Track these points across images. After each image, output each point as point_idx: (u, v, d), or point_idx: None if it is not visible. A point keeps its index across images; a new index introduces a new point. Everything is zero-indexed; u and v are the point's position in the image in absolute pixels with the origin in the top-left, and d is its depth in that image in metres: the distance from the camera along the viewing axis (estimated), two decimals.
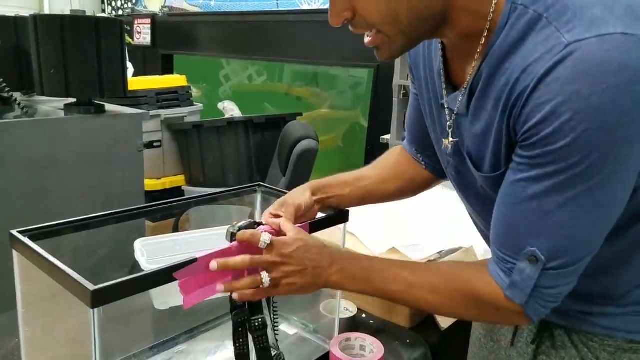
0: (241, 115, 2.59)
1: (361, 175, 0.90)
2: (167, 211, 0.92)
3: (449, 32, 0.62)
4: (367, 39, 0.63)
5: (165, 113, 2.64)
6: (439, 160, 0.82)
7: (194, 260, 0.63)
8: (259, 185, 1.05)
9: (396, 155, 0.93)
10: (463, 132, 0.68)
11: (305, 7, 2.95)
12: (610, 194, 0.55)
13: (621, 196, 0.57)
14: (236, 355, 0.72)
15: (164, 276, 0.60)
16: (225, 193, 1.00)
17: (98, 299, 0.54)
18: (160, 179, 2.69)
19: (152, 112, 2.56)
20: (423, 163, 0.89)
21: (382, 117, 2.06)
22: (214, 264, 0.65)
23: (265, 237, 0.67)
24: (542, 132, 0.53)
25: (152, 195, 2.56)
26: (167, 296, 1.01)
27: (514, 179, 0.59)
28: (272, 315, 0.78)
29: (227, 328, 1.03)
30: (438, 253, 1.07)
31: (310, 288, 0.69)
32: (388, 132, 1.90)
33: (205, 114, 2.90)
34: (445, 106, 0.69)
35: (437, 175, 0.90)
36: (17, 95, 1.76)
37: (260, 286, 0.66)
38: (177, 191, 2.72)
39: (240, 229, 0.72)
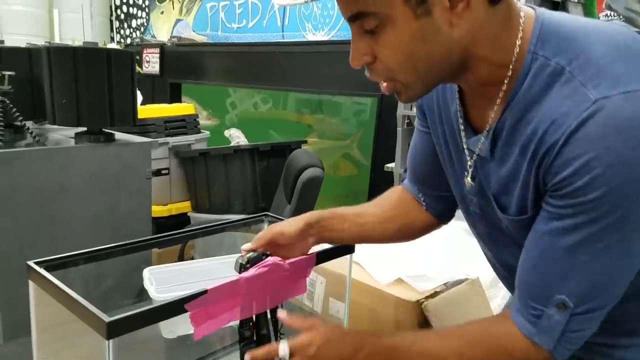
0: (247, 143, 2.63)
1: (362, 212, 0.88)
2: (176, 242, 0.94)
3: (468, 79, 0.64)
4: (383, 86, 0.64)
5: (173, 140, 2.68)
6: (442, 202, 0.82)
7: (205, 292, 0.65)
8: (266, 215, 1.07)
9: (397, 195, 0.92)
10: (488, 173, 0.68)
11: (310, 37, 3.03)
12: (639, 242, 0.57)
13: None
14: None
15: (176, 308, 0.62)
16: (232, 223, 1.02)
17: (113, 330, 0.55)
18: (166, 205, 2.72)
19: (160, 140, 2.60)
20: (424, 204, 0.88)
21: (386, 146, 2.09)
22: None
23: (283, 347, 0.65)
24: (574, 185, 0.54)
25: (157, 222, 2.59)
26: (175, 325, 1.02)
27: (544, 230, 0.60)
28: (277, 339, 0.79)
29: (235, 357, 1.04)
30: (444, 284, 1.08)
31: None
32: (392, 161, 1.93)
33: (212, 140, 2.94)
34: (465, 147, 0.70)
35: (437, 218, 0.89)
36: (29, 123, 1.80)
37: None
38: (182, 217, 2.74)
39: (249, 260, 0.74)
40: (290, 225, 0.81)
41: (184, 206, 2.76)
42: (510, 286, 0.82)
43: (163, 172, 2.60)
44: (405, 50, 0.59)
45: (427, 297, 1.01)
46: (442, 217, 0.89)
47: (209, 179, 2.55)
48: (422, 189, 0.88)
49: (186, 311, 0.63)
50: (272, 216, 1.06)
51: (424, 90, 0.65)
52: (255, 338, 0.72)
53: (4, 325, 1.58)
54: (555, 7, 1.62)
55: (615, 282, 0.59)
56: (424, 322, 1.00)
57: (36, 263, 0.70)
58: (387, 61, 0.61)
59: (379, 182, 2.14)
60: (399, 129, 1.84)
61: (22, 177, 1.61)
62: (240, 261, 0.74)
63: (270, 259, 0.75)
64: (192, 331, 1.00)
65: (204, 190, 2.60)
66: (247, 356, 0.68)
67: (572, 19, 0.62)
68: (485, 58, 0.60)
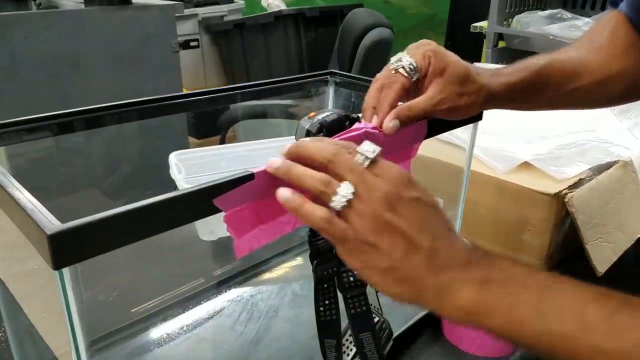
0: (289, 8, 2.21)
1: (573, 70, 0.54)
2: (212, 104, 0.64)
3: None
4: None
5: (203, 12, 2.30)
6: None
7: (251, 177, 0.35)
8: (332, 74, 0.73)
9: (616, 32, 0.55)
10: None
11: None
12: None
13: None
14: (320, 323, 0.46)
15: (194, 206, 0.32)
16: (287, 83, 0.69)
17: (63, 253, 0.27)
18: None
19: (187, 11, 2.23)
20: None
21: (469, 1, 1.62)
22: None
23: (367, 147, 0.35)
24: None
25: None
26: (215, 224, 0.76)
27: None
28: None
29: (294, 265, 0.78)
30: (589, 169, 0.74)
31: (400, 284, 0.33)
32: (481, 19, 1.47)
33: (247, 13, 2.53)
34: None
35: None
36: None
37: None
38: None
39: (321, 125, 0.43)
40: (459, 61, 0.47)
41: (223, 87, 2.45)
42: None
43: (192, 44, 2.25)
44: None
45: (570, 187, 0.69)
46: None
47: (246, 55, 2.20)
48: None
49: (214, 212, 0.34)
50: (340, 74, 0.73)
51: None
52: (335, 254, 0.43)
53: None
54: None
55: None
56: (562, 220, 0.69)
57: None
58: None
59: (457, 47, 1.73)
60: None
61: (24, 47, 1.35)
62: (305, 125, 0.42)
63: (359, 125, 0.43)
64: None
65: (242, 69, 2.26)
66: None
67: None
68: None
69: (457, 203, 0.64)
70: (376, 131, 0.44)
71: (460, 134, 0.62)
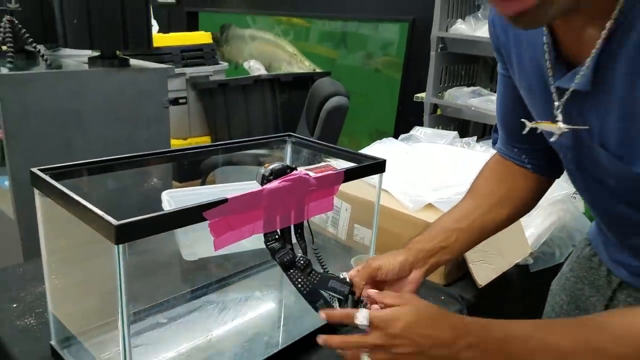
0: (267, 74, 2.52)
1: (463, 213, 0.76)
2: (194, 157, 0.88)
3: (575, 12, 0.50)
4: (518, 5, 0.47)
5: (190, 71, 2.59)
6: (547, 155, 0.70)
7: (225, 201, 0.59)
8: (289, 136, 0.99)
9: (493, 172, 0.79)
10: (590, 114, 0.55)
11: None
12: None
13: None
14: (304, 295, 0.68)
15: (191, 215, 0.56)
16: (253, 142, 0.94)
17: (122, 234, 0.50)
18: (186, 139, 2.67)
19: (177, 70, 2.51)
20: (528, 166, 0.75)
21: (416, 75, 1.95)
22: (319, 340, 0.60)
23: (362, 316, 0.56)
24: None
25: None
26: (196, 247, 0.98)
27: None
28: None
29: (254, 280, 1.00)
30: None
31: None
32: (422, 90, 1.80)
33: (230, 73, 2.84)
34: (554, 87, 0.57)
35: (546, 176, 0.77)
36: (40, 47, 1.73)
37: None
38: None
39: (272, 172, 0.67)
40: (389, 260, 0.71)
41: (204, 141, 2.71)
42: (607, 227, 0.71)
43: (181, 101, 2.52)
44: None
45: None
46: (552, 173, 0.76)
47: (228, 111, 2.47)
48: (521, 146, 0.75)
49: (202, 220, 0.58)
50: (295, 136, 0.98)
51: (560, 10, 0.48)
52: (285, 245, 0.67)
53: (24, 247, 1.59)
54: None
55: None
56: None
57: (41, 170, 0.65)
58: None
59: (406, 115, 2.03)
60: (433, 53, 1.69)
61: (36, 101, 1.57)
62: (262, 172, 0.67)
63: (296, 172, 0.68)
64: (213, 254, 0.97)
65: (224, 123, 2.53)
66: (321, 313, 0.62)
67: None
68: None
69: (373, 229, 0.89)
70: (307, 176, 0.69)
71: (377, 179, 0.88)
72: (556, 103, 0.57)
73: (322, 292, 0.69)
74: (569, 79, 0.55)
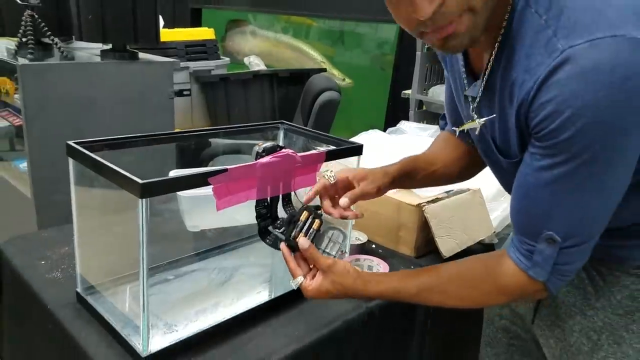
0: (266, 69, 2.66)
1: (432, 158, 0.94)
2: (197, 141, 1.02)
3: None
4: (443, 32, 0.62)
5: (194, 65, 2.72)
6: None
7: (225, 170, 0.73)
8: (282, 123, 1.13)
9: (449, 139, 0.95)
10: (486, 116, 0.72)
11: None
12: (613, 178, 0.61)
13: (623, 179, 0.63)
14: (272, 243, 0.83)
15: (199, 179, 0.70)
16: (249, 127, 1.09)
17: (146, 191, 0.64)
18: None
19: (181, 64, 2.65)
20: (471, 142, 0.91)
21: (406, 73, 2.10)
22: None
23: (296, 282, 0.77)
24: (549, 127, 0.59)
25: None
26: (198, 220, 1.12)
27: (527, 171, 0.65)
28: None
29: (249, 249, 1.14)
30: (446, 192, 1.15)
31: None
32: (410, 87, 1.94)
33: (231, 68, 2.98)
34: (468, 94, 0.75)
35: None
36: (56, 39, 1.86)
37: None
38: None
39: (265, 149, 0.82)
40: (374, 177, 0.87)
41: (206, 128, 2.84)
42: None
43: (185, 92, 2.66)
44: None
45: (428, 202, 1.09)
46: None
47: (228, 104, 2.61)
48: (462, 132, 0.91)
49: (206, 184, 0.72)
50: (287, 124, 1.13)
51: (482, 25, 0.63)
52: (269, 215, 0.81)
53: (39, 222, 1.73)
54: None
55: (595, 216, 0.64)
56: (424, 224, 1.08)
57: (75, 143, 0.79)
58: None
59: (396, 110, 2.18)
60: (418, 53, 1.83)
61: (52, 89, 1.70)
62: (257, 149, 0.81)
63: (284, 151, 0.82)
64: (212, 226, 1.11)
65: (224, 115, 2.67)
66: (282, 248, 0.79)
67: None
68: None
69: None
70: (294, 154, 0.83)
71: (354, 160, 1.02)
72: (472, 106, 0.74)
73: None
74: (472, 89, 0.73)
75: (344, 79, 3.31)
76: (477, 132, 0.76)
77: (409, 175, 0.91)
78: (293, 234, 0.78)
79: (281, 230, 0.81)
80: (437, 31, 0.62)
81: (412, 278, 0.77)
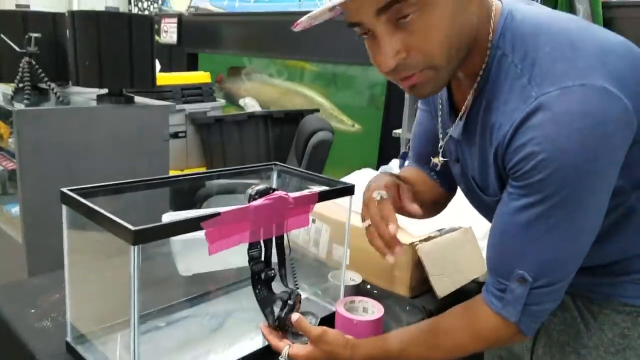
0: (261, 110, 2.71)
1: (411, 181, 0.92)
2: (191, 182, 1.03)
3: (462, 67, 0.69)
4: (407, 82, 0.66)
5: (190, 107, 2.77)
6: (450, 176, 0.89)
7: (218, 214, 0.73)
8: (275, 164, 1.14)
9: (416, 171, 0.97)
10: (465, 156, 0.76)
11: None
12: (585, 220, 0.63)
13: (595, 220, 0.64)
14: (259, 300, 0.82)
15: (192, 224, 0.70)
16: (243, 169, 1.10)
17: (138, 238, 0.64)
18: (183, 170, 2.82)
19: (177, 107, 2.69)
20: (436, 179, 0.94)
21: (396, 112, 2.15)
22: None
23: (283, 355, 0.78)
24: (524, 168, 0.61)
25: None
26: (190, 264, 1.12)
27: (504, 210, 0.66)
28: (288, 264, 0.88)
29: (239, 295, 1.13)
30: (438, 231, 1.15)
31: None
32: (400, 127, 1.98)
33: (226, 110, 3.02)
34: (448, 132, 0.77)
35: (447, 191, 0.96)
36: (52, 84, 1.90)
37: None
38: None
39: (258, 192, 0.82)
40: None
41: (200, 171, 2.86)
42: None
43: (180, 134, 2.69)
44: (444, 29, 0.61)
45: (420, 241, 1.09)
46: (451, 189, 0.96)
47: (223, 144, 2.64)
48: (428, 166, 0.93)
49: (199, 229, 0.72)
50: (280, 165, 1.14)
51: (446, 80, 0.67)
52: (263, 259, 0.81)
53: (29, 268, 1.71)
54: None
55: (567, 257, 0.65)
56: (418, 263, 1.08)
57: (69, 190, 0.80)
58: (425, 48, 0.61)
59: (387, 148, 2.21)
60: (407, 95, 1.88)
61: (47, 135, 1.71)
62: (249, 192, 0.82)
63: (277, 193, 0.83)
64: (205, 270, 1.10)
65: (219, 155, 2.69)
66: (262, 327, 0.81)
67: (535, 13, 0.66)
68: (478, 45, 0.66)
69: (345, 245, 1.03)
70: (287, 196, 0.84)
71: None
72: (440, 143, 0.78)
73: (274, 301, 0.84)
74: (454, 129, 0.75)
75: (353, 125, 3.38)
76: (457, 170, 0.78)
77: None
78: (280, 313, 0.82)
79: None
80: (403, 80, 0.66)
81: (396, 335, 0.78)
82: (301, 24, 0.66)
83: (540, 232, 0.63)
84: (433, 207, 0.98)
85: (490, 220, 0.82)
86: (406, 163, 1.03)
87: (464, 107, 0.72)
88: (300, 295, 0.85)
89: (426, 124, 0.92)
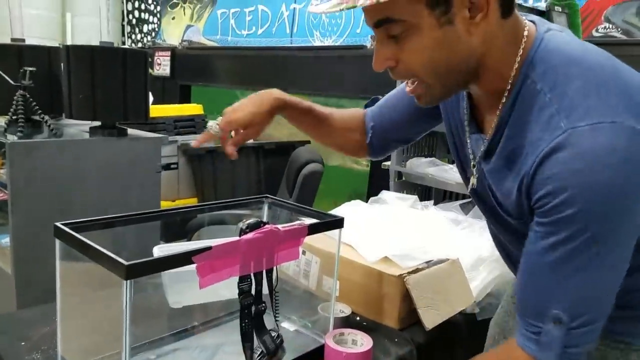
0: (253, 141, 2.75)
1: (328, 117, 1.03)
2: (182, 215, 1.04)
3: (477, 88, 0.72)
4: (408, 89, 0.73)
5: (182, 139, 2.80)
6: (383, 146, 0.99)
7: (209, 248, 0.75)
8: (266, 197, 1.17)
9: (357, 118, 1.06)
10: (489, 177, 0.75)
11: (317, 43, 3.14)
12: (617, 255, 0.63)
13: (627, 254, 0.63)
14: (243, 334, 0.83)
15: (184, 258, 0.72)
16: (234, 202, 1.12)
17: (131, 272, 0.66)
18: (174, 201, 2.83)
19: (170, 138, 2.72)
20: (368, 139, 1.02)
21: None
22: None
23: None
24: (551, 203, 0.61)
25: None
26: (181, 296, 1.12)
27: (532, 249, 0.65)
28: (274, 302, 0.89)
29: (230, 325, 1.13)
30: (426, 263, 1.17)
31: None
32: (388, 160, 2.02)
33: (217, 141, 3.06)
34: (469, 147, 0.78)
35: (370, 154, 1.06)
36: (46, 116, 1.92)
37: None
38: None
39: (249, 226, 0.84)
40: (261, 119, 1.00)
41: (191, 202, 2.87)
42: (509, 264, 0.92)
43: (172, 166, 2.71)
44: (428, 55, 0.65)
45: (409, 273, 1.11)
46: (374, 155, 1.05)
47: (215, 175, 2.66)
48: (376, 128, 1.01)
49: (190, 263, 0.74)
50: (272, 198, 1.16)
51: (443, 93, 0.71)
52: (253, 293, 0.83)
53: (18, 300, 1.70)
54: (541, 15, 1.71)
55: (600, 294, 0.64)
56: (407, 295, 1.09)
57: (62, 224, 0.81)
58: (410, 65, 0.67)
59: (377, 178, 2.24)
60: None
61: (40, 166, 1.72)
62: (240, 226, 0.84)
63: (267, 226, 0.85)
64: (195, 302, 1.11)
65: (211, 186, 2.71)
66: None
67: (567, 43, 0.67)
68: (494, 68, 0.68)
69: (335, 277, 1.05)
70: (277, 229, 0.86)
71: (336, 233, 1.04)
72: (472, 162, 0.78)
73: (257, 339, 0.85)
74: (475, 142, 0.76)
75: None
76: (473, 187, 0.79)
77: (296, 111, 1.00)
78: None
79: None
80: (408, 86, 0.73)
81: None
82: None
83: (572, 270, 0.62)
84: (344, 151, 1.10)
85: (499, 241, 0.84)
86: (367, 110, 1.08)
87: (490, 129, 0.72)
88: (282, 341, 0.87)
89: (402, 97, 0.96)
